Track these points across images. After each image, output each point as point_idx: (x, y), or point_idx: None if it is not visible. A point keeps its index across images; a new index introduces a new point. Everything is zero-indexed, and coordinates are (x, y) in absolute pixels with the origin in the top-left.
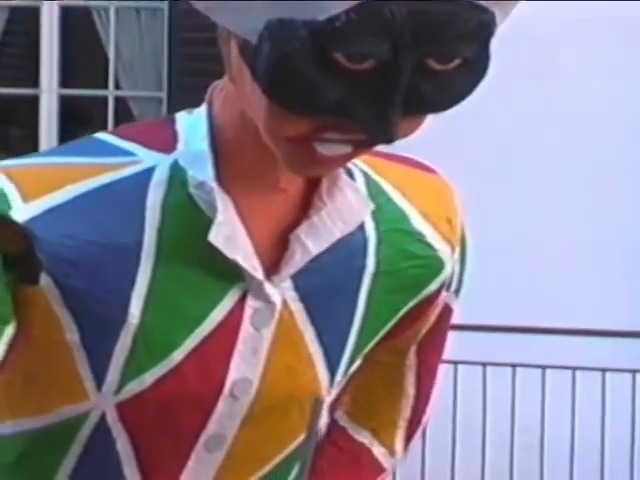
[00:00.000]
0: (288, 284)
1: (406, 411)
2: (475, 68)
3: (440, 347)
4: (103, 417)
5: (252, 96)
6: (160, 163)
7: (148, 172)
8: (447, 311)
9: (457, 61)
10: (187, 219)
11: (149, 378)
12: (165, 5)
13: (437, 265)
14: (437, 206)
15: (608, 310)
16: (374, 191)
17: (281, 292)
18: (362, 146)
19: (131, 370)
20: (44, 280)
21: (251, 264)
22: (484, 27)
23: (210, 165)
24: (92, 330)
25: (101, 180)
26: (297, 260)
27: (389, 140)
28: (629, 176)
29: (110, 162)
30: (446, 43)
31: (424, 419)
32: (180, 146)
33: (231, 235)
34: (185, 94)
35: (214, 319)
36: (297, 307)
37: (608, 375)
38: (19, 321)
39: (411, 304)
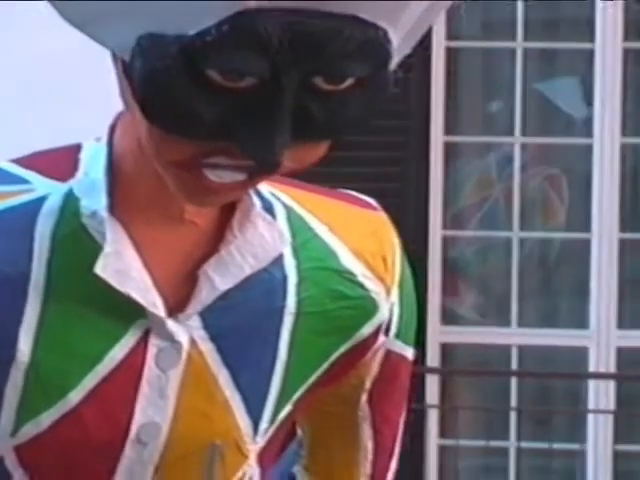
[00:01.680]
0: (196, 323)
1: (365, 466)
2: (371, 89)
3: (397, 398)
4: (1, 461)
5: (137, 118)
6: (54, 192)
7: (39, 201)
8: (396, 359)
9: (349, 81)
10: (79, 251)
11: (46, 420)
12: None
13: (370, 307)
14: (371, 243)
15: None
16: (297, 226)
17: (188, 331)
18: (255, 173)
19: (26, 411)
20: None
21: (149, 299)
22: (373, 45)
23: (104, 194)
24: None
25: None
26: (204, 297)
27: (274, 166)
28: None
29: (0, 191)
30: (330, 61)
31: (388, 475)
32: (79, 175)
33: (122, 268)
34: None
35: (114, 358)
36: (207, 347)
37: None
38: None
39: (343, 348)
